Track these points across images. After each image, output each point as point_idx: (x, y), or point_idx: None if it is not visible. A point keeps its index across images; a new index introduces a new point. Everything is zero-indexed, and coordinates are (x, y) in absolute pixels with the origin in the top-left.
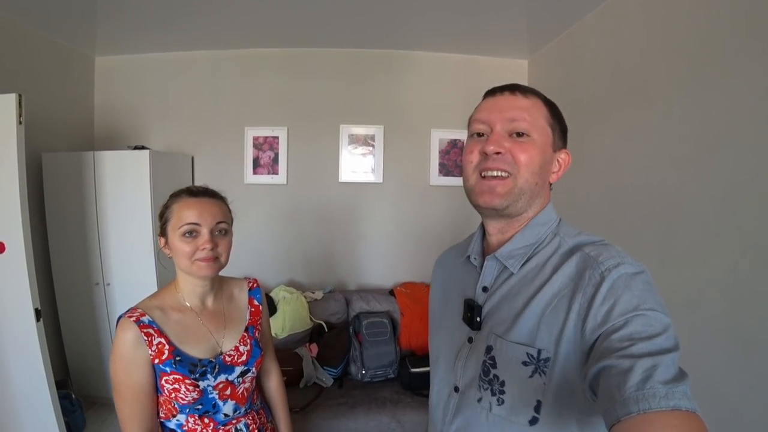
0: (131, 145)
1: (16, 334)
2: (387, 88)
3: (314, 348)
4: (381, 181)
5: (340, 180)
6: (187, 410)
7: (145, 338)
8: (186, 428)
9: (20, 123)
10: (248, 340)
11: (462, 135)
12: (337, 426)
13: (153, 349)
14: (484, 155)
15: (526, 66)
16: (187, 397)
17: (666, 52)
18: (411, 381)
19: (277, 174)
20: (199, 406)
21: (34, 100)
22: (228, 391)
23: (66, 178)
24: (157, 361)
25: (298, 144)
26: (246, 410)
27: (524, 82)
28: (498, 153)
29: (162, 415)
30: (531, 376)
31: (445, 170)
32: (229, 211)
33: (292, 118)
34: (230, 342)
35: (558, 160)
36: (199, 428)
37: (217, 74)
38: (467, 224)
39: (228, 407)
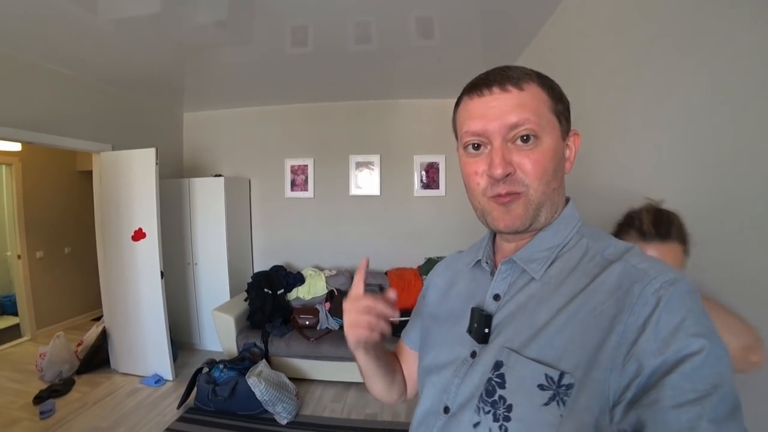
0: (213, 174)
1: (149, 287)
2: (382, 127)
3: (327, 305)
4: (379, 194)
5: (350, 194)
6: None
7: None
8: None
9: (156, 164)
10: None
11: (437, 158)
12: (335, 351)
13: None
14: (492, 179)
15: None
16: None
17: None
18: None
19: (307, 191)
20: None
21: (150, 144)
22: None
23: (172, 195)
24: None
25: (321, 169)
26: None
27: None
28: (508, 175)
29: None
30: (546, 404)
31: (425, 185)
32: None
33: (316, 151)
34: None
35: (568, 145)
36: None
37: (264, 122)
38: (445, 227)
39: None
